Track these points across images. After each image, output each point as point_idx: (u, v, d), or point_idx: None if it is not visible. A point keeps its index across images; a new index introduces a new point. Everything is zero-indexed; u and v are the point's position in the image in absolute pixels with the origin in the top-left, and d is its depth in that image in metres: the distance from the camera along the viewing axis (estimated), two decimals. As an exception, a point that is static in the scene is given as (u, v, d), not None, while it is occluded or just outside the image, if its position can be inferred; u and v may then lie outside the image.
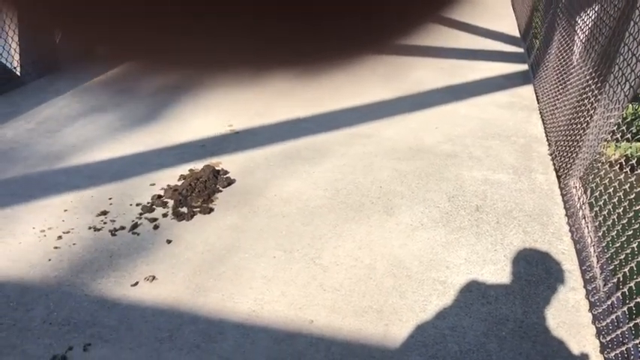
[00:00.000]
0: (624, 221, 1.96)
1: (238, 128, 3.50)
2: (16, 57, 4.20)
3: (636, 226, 1.78)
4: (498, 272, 2.15)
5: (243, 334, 1.87)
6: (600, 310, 1.90)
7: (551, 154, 3.08)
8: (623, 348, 1.69)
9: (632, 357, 1.66)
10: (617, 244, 1.96)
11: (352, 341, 1.84)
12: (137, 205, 2.63)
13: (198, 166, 2.99)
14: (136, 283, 2.10)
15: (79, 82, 4.36)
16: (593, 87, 2.53)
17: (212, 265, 2.21)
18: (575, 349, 1.80)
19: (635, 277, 1.67)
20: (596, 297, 1.95)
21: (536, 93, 3.99)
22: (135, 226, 2.46)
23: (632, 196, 1.94)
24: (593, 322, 1.89)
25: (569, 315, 1.93)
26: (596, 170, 2.36)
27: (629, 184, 2.01)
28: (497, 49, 5.12)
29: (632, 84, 2.06)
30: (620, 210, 2.00)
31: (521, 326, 1.89)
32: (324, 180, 2.86)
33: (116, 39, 0.27)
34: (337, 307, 1.99)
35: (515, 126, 3.48)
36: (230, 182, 2.83)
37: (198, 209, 2.58)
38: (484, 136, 3.35)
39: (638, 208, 1.82)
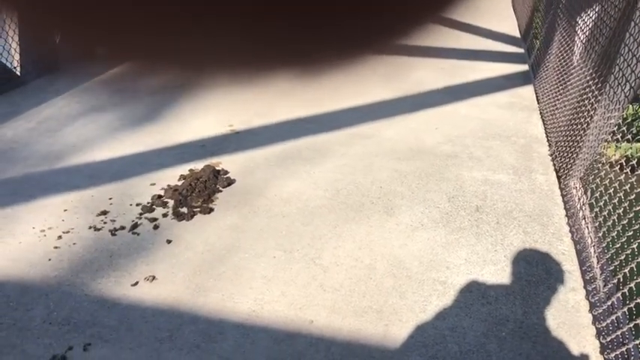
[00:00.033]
0: (624, 222, 1.96)
1: (238, 128, 3.50)
2: (17, 57, 4.21)
3: (636, 226, 1.78)
4: (498, 273, 2.15)
5: (243, 334, 1.87)
6: (600, 311, 1.89)
7: (551, 155, 3.08)
8: (624, 349, 1.69)
9: (632, 358, 1.65)
10: (618, 245, 1.96)
11: (352, 341, 1.84)
12: (137, 205, 2.63)
13: (198, 166, 2.99)
14: (136, 283, 2.10)
15: (79, 82, 4.36)
16: (593, 87, 2.53)
17: (212, 265, 2.21)
18: (575, 350, 1.80)
19: (635, 277, 1.67)
20: (597, 298, 1.95)
21: (536, 93, 3.99)
22: (135, 226, 2.46)
23: (633, 197, 1.94)
24: (594, 323, 1.89)
25: (570, 315, 1.93)
26: (597, 171, 2.36)
27: (629, 185, 2.01)
28: (497, 49, 5.12)
29: (633, 84, 2.06)
30: (621, 211, 2.00)
31: (522, 327, 1.89)
32: (324, 180, 2.86)
33: (115, 40, 0.27)
34: (337, 307, 1.99)
35: (516, 126, 3.48)
36: (230, 182, 2.83)
37: (198, 209, 2.58)
38: (484, 136, 3.35)
39: (638, 208, 1.82)
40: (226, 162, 3.06)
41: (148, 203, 2.63)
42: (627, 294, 1.75)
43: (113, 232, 2.42)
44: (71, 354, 1.78)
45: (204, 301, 2.02)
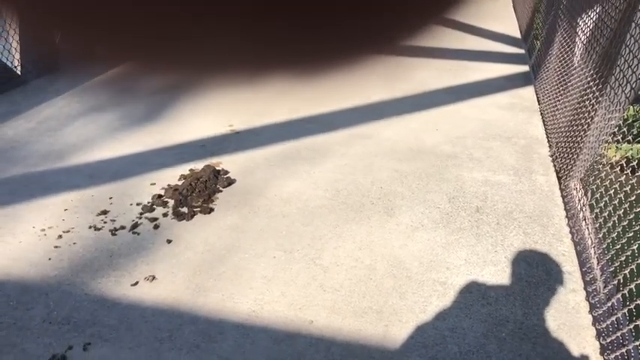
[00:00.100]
0: (625, 223, 1.96)
1: (239, 128, 3.50)
2: (17, 56, 4.21)
3: (637, 228, 1.78)
4: (498, 273, 2.15)
5: (243, 334, 1.87)
6: (600, 312, 1.89)
7: (551, 156, 3.08)
8: (624, 350, 1.68)
9: (632, 359, 1.65)
10: (618, 246, 1.96)
11: (352, 342, 1.83)
12: (137, 204, 2.63)
13: (198, 165, 2.99)
14: (136, 283, 2.10)
15: (80, 82, 4.36)
16: (594, 88, 2.53)
17: (212, 265, 2.21)
18: (575, 351, 1.80)
19: (635, 278, 1.67)
20: (597, 299, 1.95)
21: (537, 94, 3.99)
22: (135, 225, 2.46)
23: (633, 198, 1.94)
24: (594, 324, 1.89)
25: (570, 316, 1.93)
26: (597, 172, 2.36)
27: (629, 186, 2.01)
28: (498, 50, 5.12)
29: (633, 85, 2.06)
30: (621, 212, 2.00)
31: (521, 328, 1.89)
32: (324, 180, 2.86)
33: (115, 40, 0.27)
34: (337, 307, 1.99)
35: (516, 127, 3.48)
36: (230, 182, 2.83)
37: (198, 209, 2.58)
38: (485, 137, 3.35)
39: (638, 210, 1.82)
40: (226, 162, 3.06)
41: (149, 203, 2.63)
42: (627, 295, 1.75)
43: (113, 231, 2.42)
44: (71, 353, 1.78)
45: (204, 301, 2.02)
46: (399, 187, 2.79)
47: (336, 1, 0.26)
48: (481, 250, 2.29)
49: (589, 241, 2.23)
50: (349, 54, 0.29)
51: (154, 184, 2.82)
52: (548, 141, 3.27)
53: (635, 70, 2.07)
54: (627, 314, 1.74)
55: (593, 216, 2.29)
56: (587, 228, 2.30)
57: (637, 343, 1.66)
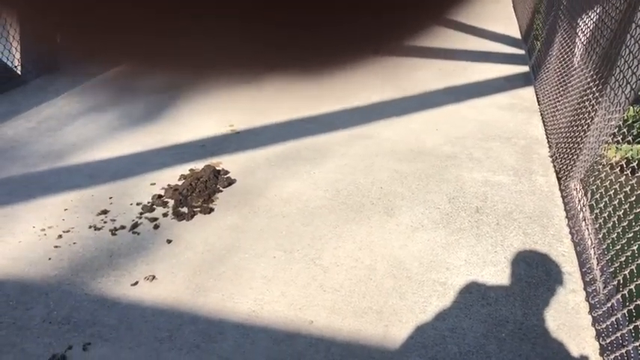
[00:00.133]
0: (624, 224, 1.96)
1: (239, 128, 3.50)
2: (17, 56, 4.21)
3: (636, 228, 1.78)
4: (498, 274, 2.15)
5: (243, 334, 1.87)
6: (600, 313, 1.89)
7: (551, 156, 3.08)
8: (623, 350, 1.69)
9: (631, 359, 1.65)
10: (618, 247, 1.96)
11: (352, 342, 1.83)
12: (137, 204, 2.63)
13: (198, 165, 2.99)
14: (136, 283, 2.10)
15: (80, 82, 4.36)
16: (594, 89, 2.53)
17: (212, 265, 2.21)
18: (575, 352, 1.80)
19: (635, 279, 1.67)
20: (596, 299, 1.95)
21: (536, 95, 3.99)
22: (135, 225, 2.46)
23: (633, 199, 1.94)
24: (593, 325, 1.89)
25: (569, 317, 1.93)
26: (597, 172, 2.36)
27: (629, 187, 2.01)
28: (498, 50, 5.12)
29: (633, 86, 2.06)
30: (621, 212, 2.00)
31: (521, 328, 1.89)
32: (324, 180, 2.86)
33: (115, 39, 0.27)
34: (337, 307, 1.99)
35: (516, 128, 3.48)
36: (230, 182, 2.83)
37: (198, 209, 2.58)
38: (484, 137, 3.35)
39: (638, 210, 1.82)
40: (227, 162, 3.06)
41: (149, 203, 2.63)
42: (627, 296, 1.75)
43: (113, 231, 2.42)
44: (71, 353, 1.78)
45: (204, 301, 2.02)
46: (399, 188, 2.79)
47: (336, 1, 0.26)
48: (481, 251, 2.29)
49: (589, 242, 2.23)
50: (349, 54, 0.29)
51: (154, 184, 2.82)
52: (548, 141, 3.27)
53: (635, 70, 2.07)
54: (627, 315, 1.74)
55: (593, 216, 2.29)
56: (587, 228, 2.30)
57: (637, 344, 1.66)
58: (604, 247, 2.10)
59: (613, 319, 1.80)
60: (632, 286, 1.71)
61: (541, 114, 3.67)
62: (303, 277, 2.14)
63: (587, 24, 3.00)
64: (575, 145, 2.64)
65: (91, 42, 0.27)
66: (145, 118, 3.67)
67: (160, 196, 2.68)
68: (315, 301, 2.01)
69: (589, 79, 2.65)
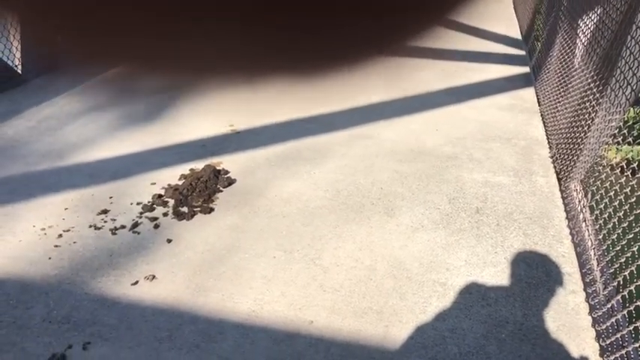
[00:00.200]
0: (625, 225, 1.96)
1: (239, 128, 3.50)
2: (18, 55, 4.21)
3: (637, 229, 1.78)
4: (498, 274, 2.15)
5: (242, 334, 1.87)
6: (600, 313, 1.89)
7: (552, 157, 3.08)
8: (623, 351, 1.68)
9: (631, 360, 1.65)
10: (618, 248, 1.96)
11: (352, 342, 1.84)
12: (138, 204, 2.63)
13: (199, 165, 2.99)
14: (136, 282, 2.10)
15: (80, 81, 4.36)
16: (594, 90, 2.53)
17: (212, 265, 2.21)
18: (575, 352, 1.80)
19: (635, 280, 1.67)
20: (596, 300, 1.95)
21: (537, 95, 3.99)
22: (135, 225, 2.46)
23: (633, 200, 1.94)
24: (593, 325, 1.89)
25: (569, 318, 1.93)
26: (597, 173, 2.36)
27: (629, 188, 2.01)
28: (498, 51, 5.12)
29: (634, 87, 2.06)
30: (621, 213, 2.00)
31: (521, 329, 1.89)
32: (324, 181, 2.87)
33: (115, 45, 0.27)
34: (337, 307, 1.99)
35: (516, 128, 3.48)
36: (231, 182, 2.83)
37: (198, 209, 2.58)
38: (485, 138, 3.35)
39: (638, 211, 1.82)
40: (227, 162, 3.06)
41: (149, 202, 2.63)
42: (627, 297, 1.75)
43: (113, 231, 2.42)
44: (71, 352, 1.78)
45: (204, 300, 2.02)
46: (400, 188, 2.79)
47: (336, 3, 0.26)
48: (481, 251, 2.29)
49: (589, 243, 2.23)
50: (350, 55, 0.29)
51: (155, 183, 2.82)
52: (549, 142, 3.27)
53: (635, 71, 2.07)
54: (627, 316, 1.74)
55: (593, 217, 2.29)
56: (587, 229, 2.30)
57: (636, 345, 1.66)
58: (604, 248, 2.10)
59: (613, 320, 1.80)
60: (632, 287, 1.71)
61: (541, 115, 3.67)
62: (303, 277, 2.14)
63: (587, 25, 3.00)
64: (576, 146, 2.64)
65: (92, 44, 0.27)
66: (145, 118, 3.68)
67: (160, 196, 2.68)
68: (315, 301, 2.01)
69: (589, 80, 2.65)
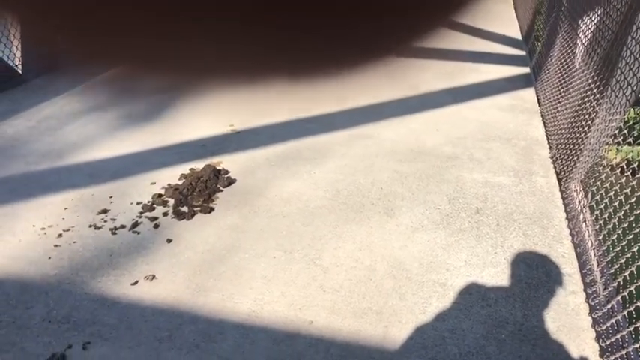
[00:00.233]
0: (625, 225, 1.96)
1: (239, 128, 3.50)
2: (18, 55, 4.21)
3: (637, 230, 1.78)
4: (498, 275, 2.15)
5: (242, 334, 1.87)
6: (600, 314, 1.89)
7: (552, 157, 3.08)
8: (623, 352, 1.68)
9: (631, 361, 1.65)
10: (618, 248, 1.96)
11: (352, 342, 1.84)
12: (138, 203, 2.63)
13: (199, 165, 2.99)
14: (136, 282, 2.10)
15: (80, 81, 4.36)
16: (595, 90, 2.53)
17: (212, 265, 2.21)
18: (575, 353, 1.80)
19: (635, 280, 1.67)
20: (596, 300, 1.95)
21: (537, 96, 3.99)
22: (135, 224, 2.46)
23: (633, 200, 1.94)
24: (593, 326, 1.89)
25: (569, 318, 1.93)
26: (597, 174, 2.36)
27: (629, 188, 2.01)
28: (499, 51, 5.13)
29: (634, 88, 2.06)
30: (621, 214, 2.00)
31: (521, 329, 1.89)
32: (324, 181, 2.87)
33: (115, 45, 0.27)
34: (337, 308, 1.99)
35: (517, 129, 3.48)
36: (231, 182, 2.83)
37: (198, 209, 2.58)
38: (485, 138, 3.35)
39: (638, 212, 1.82)
40: (227, 162, 3.06)
41: (149, 202, 2.63)
42: (627, 297, 1.75)
43: (113, 230, 2.42)
44: (70, 352, 1.78)
45: (204, 300, 2.02)
46: (400, 188, 2.79)
47: (337, 4, 0.26)
48: (481, 252, 2.29)
49: (589, 243, 2.23)
50: (350, 55, 0.29)
51: (155, 183, 2.82)
52: (549, 143, 3.27)
53: (635, 72, 2.07)
54: (627, 316, 1.74)
55: (593, 218, 2.29)
56: (587, 230, 2.30)
57: (636, 345, 1.66)
58: (604, 248, 2.10)
59: (613, 320, 1.80)
60: (632, 288, 1.71)
61: (541, 115, 3.67)
62: (303, 277, 2.14)
63: (587, 25, 3.00)
64: (576, 147, 2.64)
65: (92, 44, 0.27)
66: (145, 118, 3.68)
67: (160, 196, 2.68)
68: (314, 301, 2.01)
69: (590, 81, 2.65)
